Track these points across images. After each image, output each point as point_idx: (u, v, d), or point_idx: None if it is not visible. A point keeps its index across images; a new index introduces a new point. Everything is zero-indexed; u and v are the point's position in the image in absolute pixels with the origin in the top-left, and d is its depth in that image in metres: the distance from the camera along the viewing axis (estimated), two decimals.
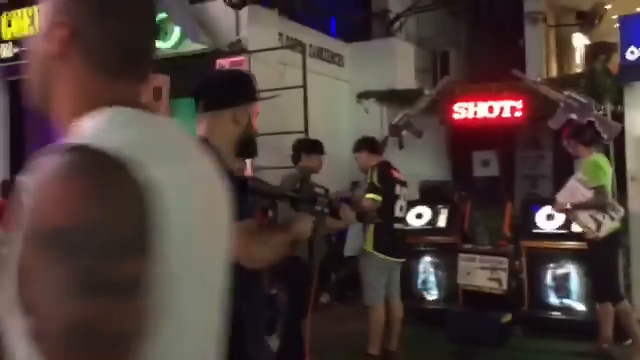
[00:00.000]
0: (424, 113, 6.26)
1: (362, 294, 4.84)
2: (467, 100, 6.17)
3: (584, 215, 4.75)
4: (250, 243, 1.83)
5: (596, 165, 4.76)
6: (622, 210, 4.78)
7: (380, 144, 6.37)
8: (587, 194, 4.72)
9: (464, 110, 6.18)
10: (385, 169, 4.88)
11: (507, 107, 6.15)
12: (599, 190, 4.67)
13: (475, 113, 6.25)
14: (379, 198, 4.74)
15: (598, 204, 4.66)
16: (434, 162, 7.25)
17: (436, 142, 7.11)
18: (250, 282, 1.94)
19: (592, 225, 4.69)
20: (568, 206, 4.80)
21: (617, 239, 4.76)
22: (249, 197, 1.96)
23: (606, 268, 4.77)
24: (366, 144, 5.06)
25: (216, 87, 2.11)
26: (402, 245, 5.01)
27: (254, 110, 2.15)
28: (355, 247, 4.84)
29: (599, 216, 4.67)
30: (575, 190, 4.81)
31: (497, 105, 6.12)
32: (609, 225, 4.67)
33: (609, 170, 4.85)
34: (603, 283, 4.83)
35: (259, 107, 2.20)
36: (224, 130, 2.02)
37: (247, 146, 2.06)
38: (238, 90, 2.09)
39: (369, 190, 4.76)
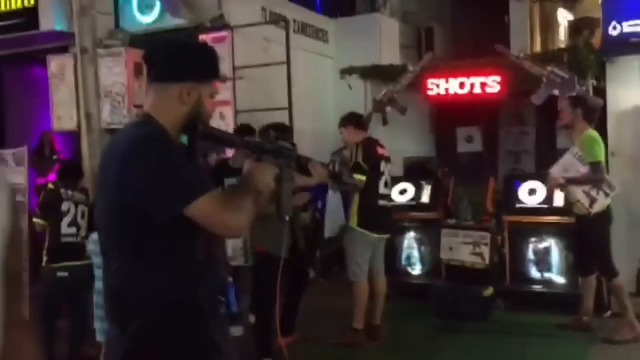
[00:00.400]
0: (407, 89, 6.25)
1: (346, 270, 4.87)
2: (450, 76, 6.17)
3: (577, 191, 4.69)
4: (223, 212, 1.76)
5: (593, 140, 4.68)
6: (615, 186, 4.71)
7: (364, 120, 6.39)
8: (581, 170, 4.67)
9: (447, 86, 6.18)
10: (370, 145, 4.88)
11: (491, 83, 6.15)
12: (595, 166, 4.60)
13: (459, 89, 6.24)
14: (363, 178, 4.75)
15: (594, 180, 4.60)
16: (417, 138, 7.27)
17: (420, 118, 7.12)
18: (208, 266, 1.88)
19: (585, 201, 4.64)
20: (561, 181, 4.74)
21: (608, 215, 4.69)
22: (197, 143, 1.84)
23: (598, 244, 4.72)
24: (352, 120, 5.03)
25: (165, 56, 1.88)
26: (387, 221, 5.03)
27: (213, 89, 1.92)
28: (335, 228, 4.83)
29: (593, 192, 4.62)
30: (570, 165, 4.76)
31: (480, 81, 6.12)
32: (602, 201, 4.63)
33: (603, 146, 4.77)
34: (597, 259, 4.77)
35: (219, 88, 1.94)
36: (167, 106, 1.84)
37: (190, 131, 1.85)
38: (190, 64, 1.87)
39: (354, 170, 4.74)
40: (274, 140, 1.96)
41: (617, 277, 4.68)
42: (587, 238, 4.80)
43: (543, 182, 5.23)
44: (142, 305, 1.78)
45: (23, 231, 6.17)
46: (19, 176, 6.09)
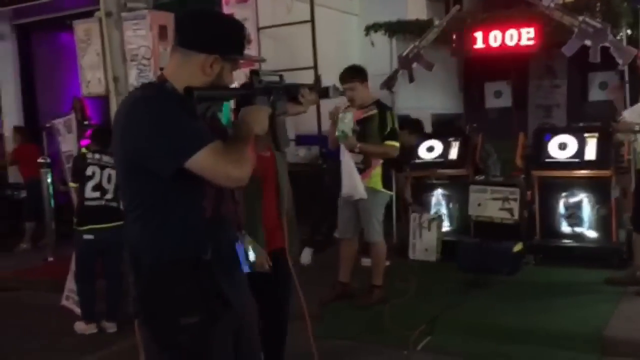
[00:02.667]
0: (434, 45, 6.14)
1: (368, 232, 4.80)
2: (478, 30, 6.03)
3: None
4: (224, 164, 1.77)
5: None
6: None
7: (391, 77, 6.32)
8: None
9: (475, 41, 6.04)
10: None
11: (520, 36, 6.00)
12: None
13: (487, 43, 6.10)
14: (397, 145, 4.71)
15: None
16: (445, 94, 7.17)
17: (447, 74, 7.00)
18: (217, 223, 1.91)
19: None
20: (636, 128, 4.51)
21: None
22: (196, 106, 1.84)
23: None
24: (363, 74, 4.74)
25: (196, 25, 1.91)
26: None
27: (235, 65, 1.95)
28: (353, 188, 4.71)
29: None
30: None
31: (509, 33, 5.97)
32: None
33: None
34: None
35: (239, 64, 1.97)
36: (188, 74, 1.87)
37: (187, 96, 1.85)
38: (219, 37, 1.89)
39: (390, 136, 4.65)
40: (261, 79, 1.99)
41: None
42: None
43: (614, 125, 4.83)
44: (152, 258, 1.84)
45: None
46: (70, 143, 6.25)
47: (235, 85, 2.28)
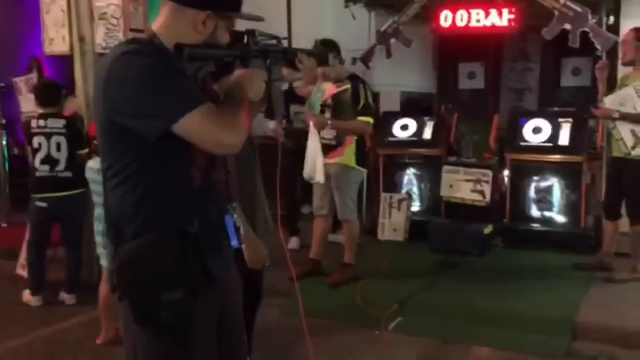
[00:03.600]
0: (413, 21, 6.02)
1: (342, 209, 4.69)
2: (457, 8, 5.92)
3: (624, 128, 4.49)
4: (215, 128, 1.63)
5: None
6: None
7: (368, 52, 6.19)
8: (639, 108, 4.44)
9: (454, 19, 5.93)
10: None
11: (498, 16, 5.92)
12: None
13: (465, 21, 6.01)
14: (371, 121, 4.61)
15: None
16: (420, 73, 7.08)
17: (423, 53, 6.91)
18: (206, 195, 1.77)
19: (630, 141, 4.45)
20: (616, 115, 4.49)
21: None
22: (187, 65, 1.68)
23: (634, 189, 4.54)
24: (337, 47, 4.58)
25: None
26: None
27: (230, 23, 1.79)
28: (314, 169, 4.61)
29: None
30: (627, 99, 4.50)
31: (490, 13, 5.88)
32: None
33: None
34: (629, 203, 4.63)
35: (234, 23, 1.81)
36: (178, 31, 1.72)
37: (177, 54, 1.69)
38: None
39: (365, 112, 4.52)
40: (257, 41, 1.84)
41: None
42: (622, 181, 4.63)
43: (593, 109, 4.76)
44: (133, 229, 1.70)
45: None
46: (31, 104, 5.86)
47: None
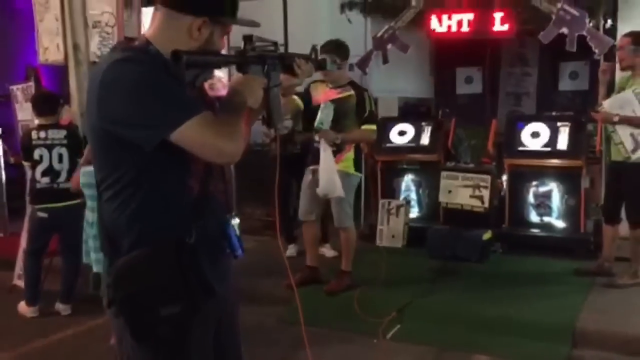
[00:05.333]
0: (409, 26, 6.00)
1: (339, 216, 4.62)
2: (453, 13, 5.90)
3: (624, 132, 4.44)
4: (214, 137, 1.59)
5: None
6: None
7: (365, 58, 6.16)
8: (638, 111, 4.39)
9: (450, 24, 5.91)
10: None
11: (495, 21, 5.90)
12: None
13: (461, 26, 5.99)
14: (374, 128, 4.58)
15: None
16: (417, 78, 7.05)
17: (419, 58, 6.89)
18: (205, 205, 1.73)
19: (629, 145, 4.41)
20: (616, 119, 4.44)
21: None
22: (184, 73, 1.65)
23: (633, 194, 4.51)
24: (346, 51, 4.54)
25: None
26: None
27: (226, 29, 1.76)
28: (331, 185, 4.54)
29: None
30: (627, 103, 4.45)
31: (486, 18, 5.85)
32: None
33: None
34: (628, 206, 4.59)
35: (230, 29, 1.79)
36: (173, 38, 1.67)
37: (174, 61, 1.64)
38: None
39: (370, 120, 4.52)
40: (255, 47, 1.81)
41: None
42: (622, 185, 4.59)
43: (592, 111, 4.73)
44: (130, 241, 1.66)
45: None
46: (28, 112, 5.81)
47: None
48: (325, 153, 4.41)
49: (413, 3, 5.85)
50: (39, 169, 4.58)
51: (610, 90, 4.73)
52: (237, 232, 1.85)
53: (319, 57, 2.09)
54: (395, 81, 6.58)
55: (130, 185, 1.66)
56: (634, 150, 4.42)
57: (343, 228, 4.65)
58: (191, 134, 1.57)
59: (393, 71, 6.33)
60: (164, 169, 1.65)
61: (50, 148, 4.57)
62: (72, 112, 5.08)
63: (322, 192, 4.46)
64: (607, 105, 4.56)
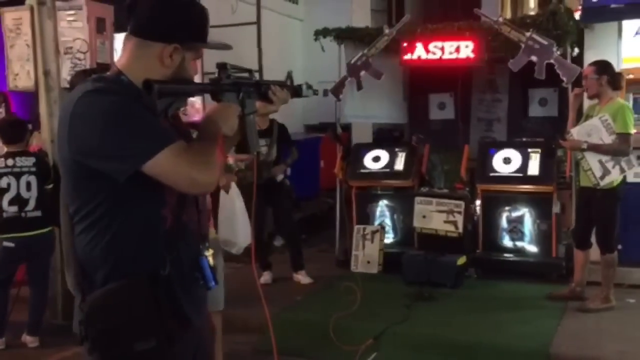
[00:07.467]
0: (383, 53, 6.06)
1: None
2: (426, 41, 6.00)
3: (592, 159, 4.51)
4: (188, 167, 1.56)
5: (626, 110, 4.45)
6: (634, 164, 4.56)
7: (338, 85, 6.20)
8: (605, 138, 4.47)
9: (423, 51, 6.00)
10: None
11: (466, 48, 6.01)
12: (624, 137, 4.39)
13: (433, 54, 6.08)
14: None
15: (618, 152, 4.40)
16: (391, 104, 7.11)
17: (394, 84, 6.95)
18: (178, 236, 1.70)
19: (598, 172, 4.47)
20: (584, 146, 4.52)
21: (617, 193, 4.53)
22: (157, 102, 1.63)
23: (603, 220, 4.58)
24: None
25: (151, 9, 1.67)
26: None
27: (197, 53, 1.75)
28: None
29: (609, 164, 4.44)
30: (594, 130, 4.53)
31: (455, 45, 5.96)
32: (615, 176, 4.45)
33: (633, 117, 4.54)
34: (599, 233, 4.65)
35: (202, 53, 1.77)
36: (145, 66, 1.66)
37: (146, 90, 1.61)
38: (178, 24, 1.67)
39: None
40: (230, 74, 1.80)
41: (614, 253, 4.62)
42: (592, 210, 4.65)
43: (561, 140, 4.80)
44: (103, 275, 1.63)
45: None
46: None
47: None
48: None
49: (386, 31, 5.92)
50: (6, 197, 4.47)
51: (579, 117, 4.83)
52: (211, 262, 1.82)
53: (297, 83, 2.08)
54: (369, 107, 6.62)
55: (104, 217, 1.62)
56: (602, 177, 4.50)
57: None
58: (164, 165, 1.54)
59: (367, 97, 6.38)
60: (136, 200, 1.63)
61: (18, 176, 4.47)
62: (43, 138, 5.00)
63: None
64: (576, 132, 4.65)
